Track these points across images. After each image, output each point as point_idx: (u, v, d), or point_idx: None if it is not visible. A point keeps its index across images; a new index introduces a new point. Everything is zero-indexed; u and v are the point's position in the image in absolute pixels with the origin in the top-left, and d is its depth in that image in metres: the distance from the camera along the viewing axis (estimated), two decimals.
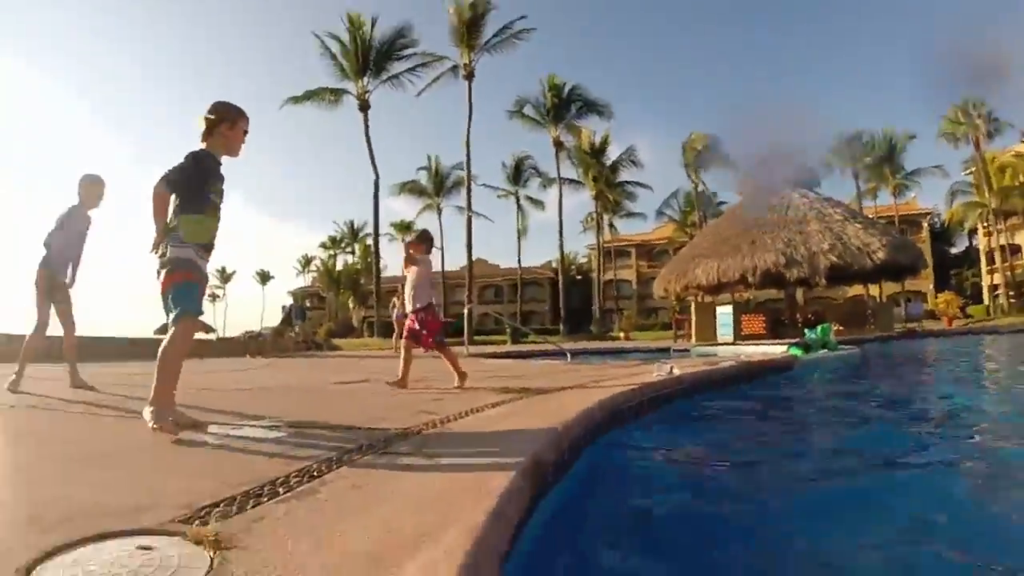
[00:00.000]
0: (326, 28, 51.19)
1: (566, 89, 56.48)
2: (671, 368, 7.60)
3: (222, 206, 4.43)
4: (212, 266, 4.97)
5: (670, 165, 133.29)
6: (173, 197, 4.17)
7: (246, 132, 4.47)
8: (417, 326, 7.37)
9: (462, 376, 7.09)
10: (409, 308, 7.52)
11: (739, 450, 5.06)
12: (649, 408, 5.80)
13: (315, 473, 2.59)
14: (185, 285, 4.17)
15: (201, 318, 4.48)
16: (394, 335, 22.81)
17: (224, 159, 4.39)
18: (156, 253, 4.19)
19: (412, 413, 4.55)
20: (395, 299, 21.99)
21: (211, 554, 1.72)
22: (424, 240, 7.85)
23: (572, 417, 3.98)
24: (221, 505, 2.15)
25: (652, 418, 5.72)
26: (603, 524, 3.05)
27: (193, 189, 4.22)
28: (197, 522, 1.98)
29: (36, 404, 5.67)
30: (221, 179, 4.40)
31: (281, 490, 2.34)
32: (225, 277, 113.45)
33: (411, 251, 7.58)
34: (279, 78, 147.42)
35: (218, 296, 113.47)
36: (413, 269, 7.52)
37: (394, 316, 22.11)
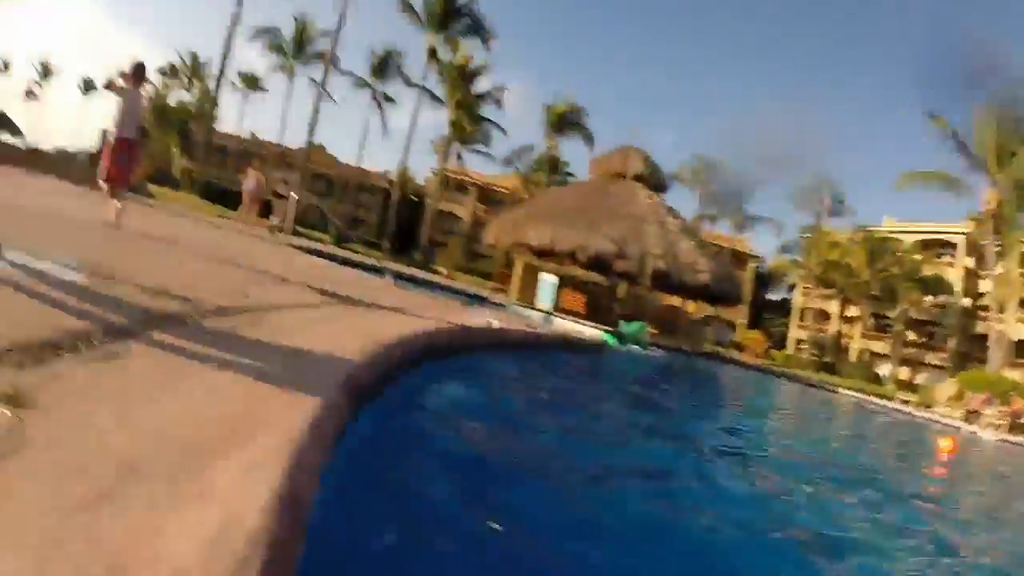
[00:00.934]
0: None
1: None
2: (491, 321, 7.65)
3: None
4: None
5: (530, 121, 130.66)
6: None
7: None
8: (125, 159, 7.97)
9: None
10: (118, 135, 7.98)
11: (521, 415, 5.08)
12: (461, 350, 5.77)
13: (122, 334, 2.34)
14: None
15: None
16: (241, 207, 21.61)
17: None
18: None
19: (229, 291, 4.29)
20: (249, 169, 21.18)
21: (2, 408, 1.49)
22: (138, 73, 8.34)
23: (391, 341, 3.87)
24: (15, 352, 1.86)
25: (463, 362, 5.69)
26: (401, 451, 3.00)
27: None
28: None
29: None
30: None
31: (83, 347, 2.08)
32: (46, 72, 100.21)
33: (120, 80, 7.96)
34: None
35: (34, 93, 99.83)
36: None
37: (246, 188, 20.83)
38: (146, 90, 8.65)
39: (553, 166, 62.60)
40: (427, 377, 4.48)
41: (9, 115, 61.61)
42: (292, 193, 23.68)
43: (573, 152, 63.53)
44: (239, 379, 2.13)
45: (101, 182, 8.10)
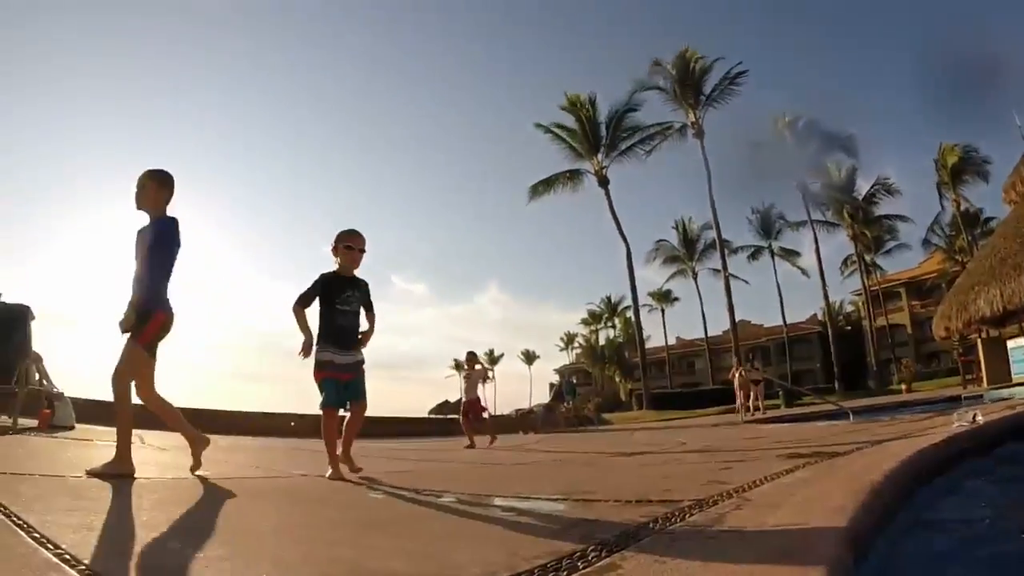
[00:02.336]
0: (538, 119, 51.89)
1: (799, 125, 53.72)
2: (974, 416, 6.77)
3: (353, 308, 5.84)
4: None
5: (923, 187, 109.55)
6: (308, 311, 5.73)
7: (350, 248, 5.83)
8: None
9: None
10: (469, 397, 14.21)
11: None
12: (958, 463, 5.12)
13: (612, 547, 2.37)
14: (320, 382, 5.65)
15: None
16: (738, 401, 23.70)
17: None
18: (304, 357, 5.60)
19: (701, 484, 4.23)
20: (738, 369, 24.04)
21: None
22: (471, 359, 14.66)
23: (880, 479, 3.53)
24: None
25: (965, 474, 5.03)
26: None
27: (322, 301, 5.75)
28: None
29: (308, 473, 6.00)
30: (349, 287, 5.83)
31: (580, 565, 2.14)
32: (493, 359, 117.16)
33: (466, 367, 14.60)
34: (514, 170, 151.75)
35: (488, 377, 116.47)
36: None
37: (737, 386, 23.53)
38: (478, 365, 14.69)
39: (970, 221, 55.64)
40: (923, 505, 3.98)
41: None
42: (762, 374, 23.68)
43: (980, 196, 54.36)
44: (735, 564, 2.03)
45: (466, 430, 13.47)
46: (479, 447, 11.84)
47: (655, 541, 2.50)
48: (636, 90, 49.29)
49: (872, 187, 56.55)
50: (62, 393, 12.80)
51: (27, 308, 12.81)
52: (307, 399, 6.14)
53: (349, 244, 5.84)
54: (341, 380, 5.68)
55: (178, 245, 5.24)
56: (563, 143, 50.40)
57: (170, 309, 5.23)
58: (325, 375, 5.62)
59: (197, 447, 5.42)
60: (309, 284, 5.75)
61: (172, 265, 5.25)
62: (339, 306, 5.74)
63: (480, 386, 14.40)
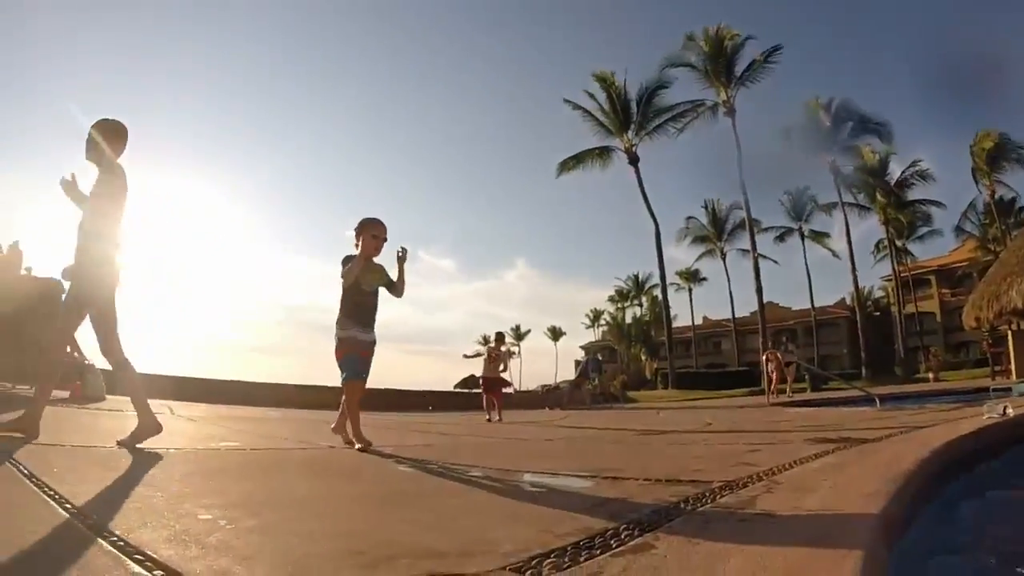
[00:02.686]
0: (568, 96, 51.12)
1: (833, 107, 52.24)
2: (1005, 408, 6.69)
3: (373, 289, 6.14)
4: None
5: (958, 173, 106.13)
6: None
7: (375, 236, 6.00)
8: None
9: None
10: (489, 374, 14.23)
11: None
12: (990, 456, 5.07)
13: (645, 526, 2.38)
14: (343, 358, 5.92)
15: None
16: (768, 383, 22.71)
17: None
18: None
19: (730, 465, 4.23)
20: (768, 352, 23.96)
21: None
22: (499, 338, 15.07)
23: (910, 468, 3.50)
24: (552, 555, 1.99)
25: (998, 468, 4.98)
26: None
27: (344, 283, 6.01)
28: (529, 572, 1.84)
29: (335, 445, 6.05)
30: (370, 271, 6.07)
31: (613, 543, 2.14)
32: (519, 335, 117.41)
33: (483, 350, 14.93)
34: (543, 147, 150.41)
35: (513, 352, 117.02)
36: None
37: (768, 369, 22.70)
38: (504, 347, 15.14)
39: (1004, 211, 54.37)
40: (953, 495, 3.94)
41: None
42: (795, 358, 23.51)
43: (1018, 183, 51.94)
44: (770, 553, 2.01)
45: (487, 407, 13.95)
46: (503, 422, 12.18)
47: (687, 522, 2.50)
48: (667, 66, 48.68)
49: (905, 171, 55.34)
50: (93, 365, 12.95)
51: (58, 282, 13.00)
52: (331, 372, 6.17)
53: (375, 234, 6.04)
54: (361, 356, 6.00)
55: (125, 194, 5.22)
56: (593, 120, 49.89)
57: (120, 265, 5.25)
58: (348, 351, 5.93)
59: (143, 428, 5.15)
60: (343, 266, 6.08)
61: (122, 215, 5.23)
62: (363, 287, 6.04)
63: (501, 365, 14.67)
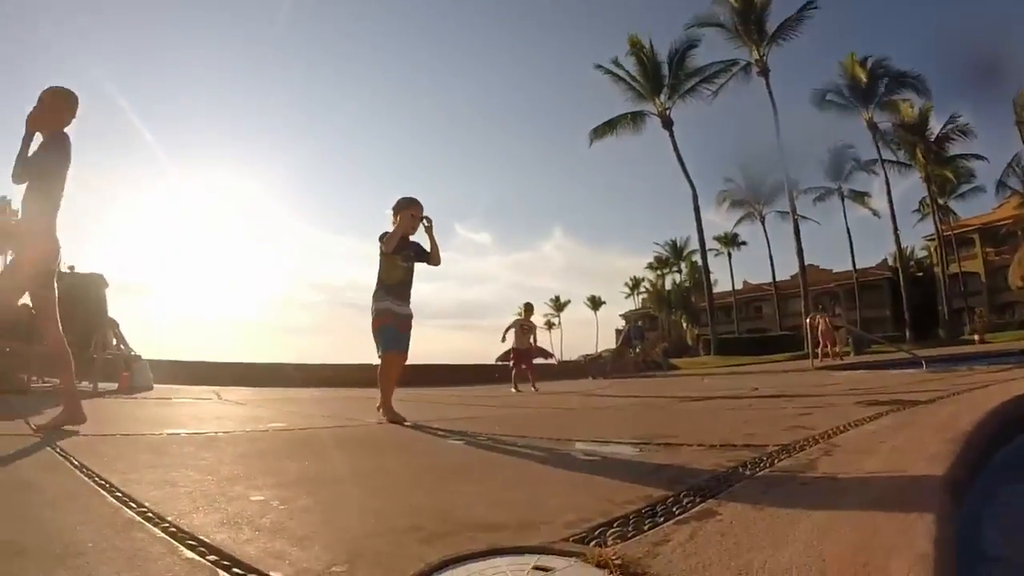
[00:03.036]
0: (599, 61, 50.23)
1: (868, 64, 50.50)
2: None
3: (409, 264, 6.30)
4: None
5: (1002, 128, 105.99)
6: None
7: (414, 216, 6.22)
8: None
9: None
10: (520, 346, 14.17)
11: None
12: None
13: (705, 492, 2.36)
14: (380, 329, 6.06)
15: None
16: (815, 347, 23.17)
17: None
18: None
19: (783, 429, 4.19)
20: (814, 314, 24.12)
21: None
22: (528, 310, 15.17)
23: (969, 429, 3.43)
24: (615, 524, 1.97)
25: None
26: None
27: (381, 257, 6.22)
28: (594, 542, 1.81)
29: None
30: (406, 247, 6.27)
31: (675, 510, 2.13)
32: (559, 306, 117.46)
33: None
34: (575, 115, 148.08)
35: (554, 324, 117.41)
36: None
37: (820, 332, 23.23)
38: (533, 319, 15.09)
39: None
40: (1013, 455, 3.86)
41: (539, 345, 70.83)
42: (806, 320, 23.24)
43: None
44: (838, 514, 1.96)
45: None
46: (540, 392, 12.23)
47: (748, 487, 2.48)
48: (696, 25, 47.72)
49: (945, 126, 53.63)
50: (139, 356, 13.26)
51: (100, 276, 13.26)
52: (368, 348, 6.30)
53: (414, 213, 6.24)
54: (399, 328, 6.14)
55: (69, 163, 5.10)
56: (624, 84, 49.13)
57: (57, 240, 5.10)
58: (384, 322, 6.08)
59: (67, 413, 4.99)
60: (380, 243, 6.22)
61: (63, 185, 5.09)
62: (400, 262, 6.23)
63: (532, 336, 14.61)
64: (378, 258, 6.25)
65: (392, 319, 6.08)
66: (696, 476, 2.68)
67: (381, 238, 6.18)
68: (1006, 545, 2.43)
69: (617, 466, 3.28)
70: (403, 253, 6.23)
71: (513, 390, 12.93)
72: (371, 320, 6.12)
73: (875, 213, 58.06)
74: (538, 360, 14.82)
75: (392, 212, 6.31)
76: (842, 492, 2.33)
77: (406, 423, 5.79)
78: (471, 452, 4.12)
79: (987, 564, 2.14)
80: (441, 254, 6.42)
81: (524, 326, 14.38)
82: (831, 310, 31.34)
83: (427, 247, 6.37)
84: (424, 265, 6.41)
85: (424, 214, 6.27)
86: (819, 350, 23.08)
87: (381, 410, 6.02)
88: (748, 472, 2.75)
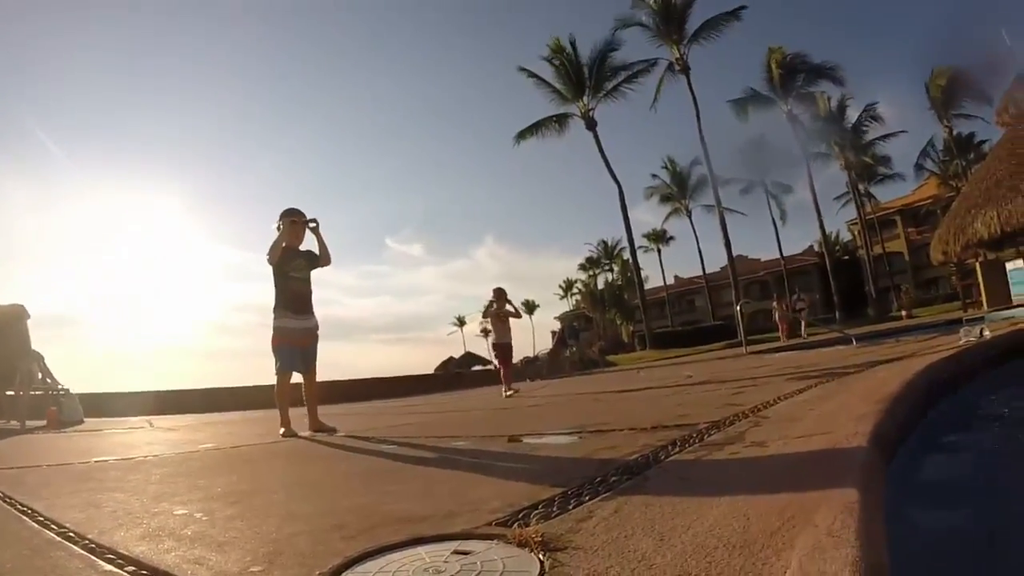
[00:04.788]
0: (521, 64, 50.53)
1: (787, 58, 51.07)
2: (981, 331, 6.72)
3: (304, 274, 6.26)
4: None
5: (917, 111, 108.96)
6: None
7: (294, 222, 6.17)
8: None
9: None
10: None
11: None
12: (973, 375, 5.06)
13: (633, 470, 2.33)
14: (277, 348, 6.02)
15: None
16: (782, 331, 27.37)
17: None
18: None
19: (716, 407, 4.21)
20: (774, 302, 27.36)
21: (540, 556, 1.49)
22: (501, 295, 11.98)
23: (897, 391, 3.46)
24: (540, 507, 1.95)
25: (981, 386, 4.97)
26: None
27: (275, 271, 6.12)
28: (516, 524, 1.79)
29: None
30: (297, 256, 6.23)
31: (601, 489, 2.10)
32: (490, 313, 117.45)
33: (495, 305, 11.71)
34: (501, 121, 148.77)
35: (489, 330, 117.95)
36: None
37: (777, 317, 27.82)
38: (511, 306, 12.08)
39: (962, 146, 55.00)
40: (944, 414, 3.92)
41: (476, 352, 70.87)
42: (737, 307, 23.82)
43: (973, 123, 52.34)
44: (765, 477, 1.96)
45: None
46: (474, 395, 11.87)
47: (676, 462, 2.47)
48: (618, 27, 48.24)
49: (860, 116, 55.48)
50: (68, 389, 12.68)
51: (21, 307, 12.69)
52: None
53: (294, 219, 6.20)
54: (297, 346, 6.10)
55: None
56: (548, 87, 49.36)
57: None
58: (282, 341, 6.02)
59: None
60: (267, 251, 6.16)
61: None
62: (292, 273, 6.16)
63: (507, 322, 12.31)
64: (272, 275, 6.17)
65: (288, 337, 6.04)
66: (625, 457, 2.65)
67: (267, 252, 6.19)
68: (933, 496, 2.44)
69: (549, 454, 3.23)
70: (294, 264, 6.20)
71: (508, 393, 10.66)
72: (271, 337, 6.07)
73: (782, 216, 59.64)
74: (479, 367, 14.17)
75: (277, 226, 6.24)
76: (769, 456, 2.32)
77: (337, 433, 5.71)
78: (401, 455, 4.04)
79: (914, 511, 2.13)
80: (330, 253, 6.38)
81: (502, 316, 12.09)
82: (798, 295, 33.06)
83: (317, 251, 6.32)
84: (319, 272, 6.42)
85: (312, 218, 6.24)
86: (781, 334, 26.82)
87: (283, 431, 5.91)
88: (678, 448, 2.73)
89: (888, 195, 63.67)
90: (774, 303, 28.41)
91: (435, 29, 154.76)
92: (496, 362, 12.53)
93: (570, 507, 1.91)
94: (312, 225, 6.22)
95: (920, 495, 2.38)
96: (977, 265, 27.02)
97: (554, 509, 1.91)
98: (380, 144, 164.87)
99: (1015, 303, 21.49)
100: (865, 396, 3.44)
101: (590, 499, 1.98)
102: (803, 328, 27.98)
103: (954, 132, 54.31)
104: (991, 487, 2.60)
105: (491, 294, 11.99)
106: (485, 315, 11.81)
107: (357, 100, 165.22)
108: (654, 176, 66.42)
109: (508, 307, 11.89)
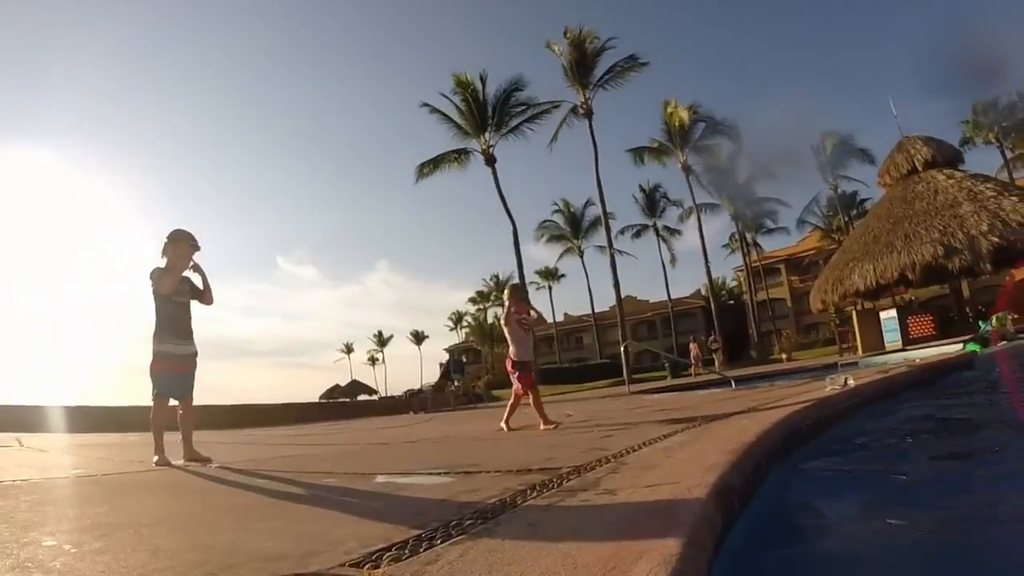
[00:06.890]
0: (428, 99, 50.79)
1: (686, 112, 53.69)
2: (845, 380, 7.16)
3: (185, 300, 6.16)
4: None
5: (806, 169, 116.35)
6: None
7: (193, 246, 6.13)
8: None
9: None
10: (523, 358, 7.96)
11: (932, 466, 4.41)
12: (830, 424, 5.41)
13: (488, 515, 2.44)
14: (155, 374, 5.93)
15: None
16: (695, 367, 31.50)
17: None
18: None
19: (582, 451, 4.36)
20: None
21: None
22: (521, 296, 8.82)
23: (751, 440, 3.69)
24: (393, 548, 2.04)
25: (837, 434, 5.31)
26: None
27: (155, 296, 6.00)
28: (368, 565, 1.89)
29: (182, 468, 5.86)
30: (180, 281, 6.07)
31: (454, 532, 2.20)
32: (382, 341, 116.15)
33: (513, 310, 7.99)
34: (403, 149, 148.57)
35: (377, 359, 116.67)
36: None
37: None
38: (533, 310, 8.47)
39: (848, 203, 58.90)
40: (798, 463, 4.18)
41: (362, 381, 70.15)
42: (622, 346, 24.32)
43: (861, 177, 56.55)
44: (605, 526, 2.11)
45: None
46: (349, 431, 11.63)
47: (530, 507, 2.58)
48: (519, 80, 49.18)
49: (752, 172, 58.44)
50: None
51: None
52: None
53: (193, 244, 6.17)
54: (177, 371, 6.05)
55: None
56: (450, 122, 49.62)
57: None
58: (162, 366, 5.95)
59: None
60: (151, 279, 6.02)
61: None
62: (175, 298, 6.09)
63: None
64: (152, 297, 6.05)
65: (168, 363, 5.97)
66: (485, 500, 2.75)
67: (152, 275, 6.02)
68: (775, 545, 2.63)
69: (414, 495, 3.31)
70: (178, 288, 6.12)
71: (549, 426, 7.42)
72: (150, 362, 5.96)
73: (672, 259, 61.97)
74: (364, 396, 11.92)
75: (162, 248, 6.11)
76: (615, 504, 2.47)
77: (211, 464, 5.68)
78: (271, 489, 4.06)
79: (749, 561, 2.31)
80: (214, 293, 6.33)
81: (525, 323, 8.32)
82: (714, 336, 36.69)
83: (199, 284, 6.28)
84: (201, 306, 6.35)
85: (194, 262, 6.21)
86: (692, 369, 30.98)
87: (156, 459, 5.80)
88: (535, 493, 2.85)
89: (774, 245, 67.00)
90: (691, 342, 33.28)
91: (345, 55, 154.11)
92: (517, 384, 8.01)
93: (421, 550, 2.00)
94: (195, 266, 6.16)
95: (762, 547, 2.56)
96: (854, 313, 28.92)
97: (405, 552, 1.99)
98: (277, 161, 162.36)
99: (888, 349, 22.89)
100: (722, 445, 3.65)
101: (441, 542, 2.08)
102: (717, 364, 31.98)
103: (838, 190, 57.90)
104: (821, 537, 2.82)
105: (506, 294, 8.65)
106: (506, 322, 7.40)
107: (261, 117, 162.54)
108: (544, 222, 67.83)
109: (531, 312, 8.46)
